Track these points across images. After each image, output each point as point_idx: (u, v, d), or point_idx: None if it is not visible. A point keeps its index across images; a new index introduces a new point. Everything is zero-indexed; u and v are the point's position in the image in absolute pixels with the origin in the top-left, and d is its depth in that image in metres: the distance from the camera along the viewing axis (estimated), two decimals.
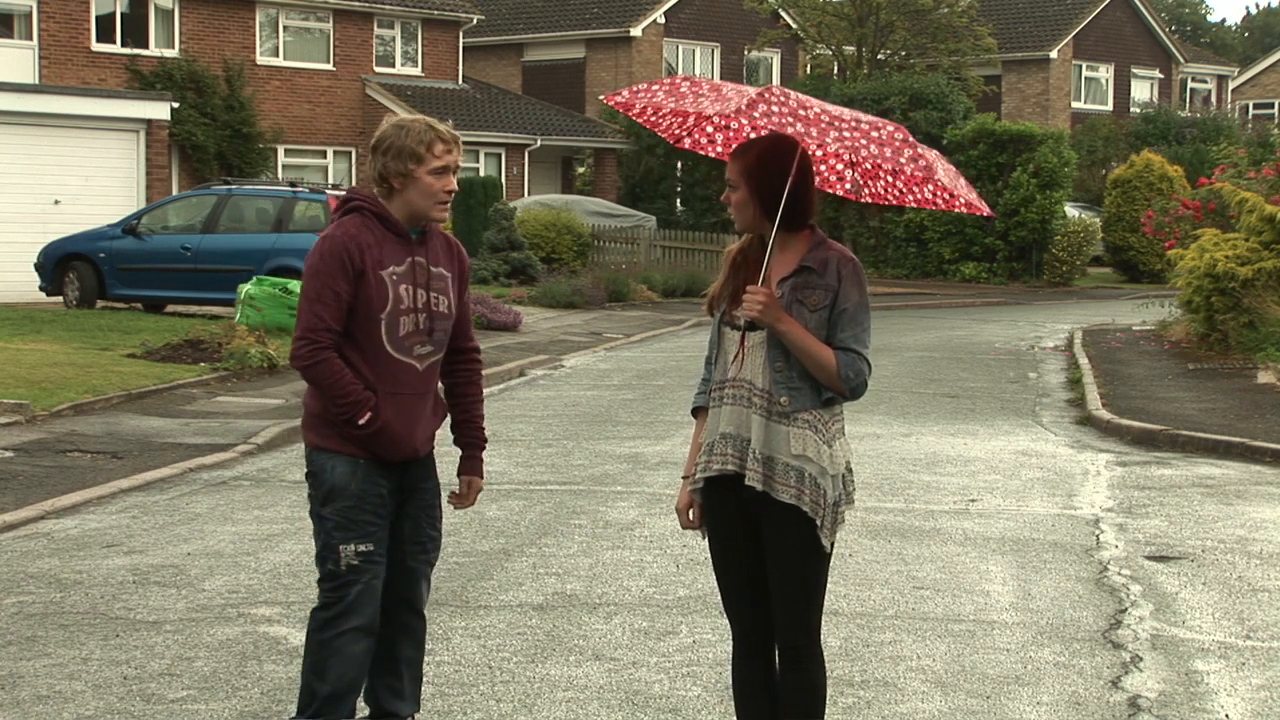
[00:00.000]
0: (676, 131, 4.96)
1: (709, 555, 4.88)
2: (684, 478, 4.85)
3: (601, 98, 4.98)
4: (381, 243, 5.06)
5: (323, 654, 5.10)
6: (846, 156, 4.81)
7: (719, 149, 4.95)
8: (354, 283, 5.00)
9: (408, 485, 5.21)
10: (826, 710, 6.04)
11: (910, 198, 4.81)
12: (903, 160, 4.60)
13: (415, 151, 5.03)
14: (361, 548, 5.08)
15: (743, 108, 4.50)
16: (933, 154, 4.69)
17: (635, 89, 4.81)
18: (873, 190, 4.87)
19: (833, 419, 4.63)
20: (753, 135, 4.77)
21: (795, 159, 4.57)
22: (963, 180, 4.79)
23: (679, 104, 4.70)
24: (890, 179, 4.83)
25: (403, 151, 5.04)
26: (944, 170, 4.69)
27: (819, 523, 4.57)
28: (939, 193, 4.74)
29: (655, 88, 4.79)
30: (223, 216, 21.66)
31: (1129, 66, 52.91)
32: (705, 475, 4.69)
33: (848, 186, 4.87)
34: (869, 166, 4.83)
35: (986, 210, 4.76)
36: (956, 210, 4.79)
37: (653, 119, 4.95)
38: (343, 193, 5.16)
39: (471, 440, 5.39)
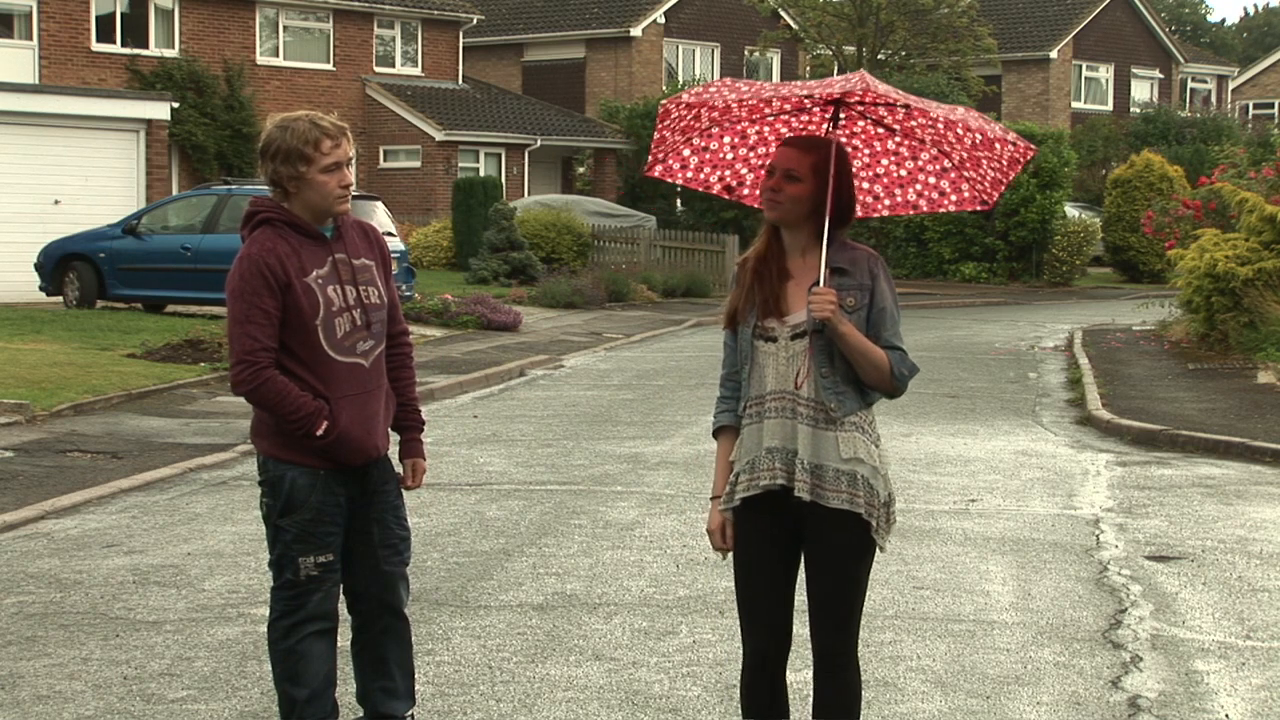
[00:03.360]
0: (658, 154, 4.84)
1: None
2: (713, 498, 4.73)
3: (664, 102, 4.80)
4: (299, 250, 4.95)
5: (291, 661, 5.07)
6: (859, 164, 4.81)
7: (689, 174, 4.86)
8: (280, 296, 4.89)
9: (369, 489, 5.13)
10: None
11: (883, 204, 4.81)
12: (989, 127, 4.61)
13: (302, 152, 4.89)
14: (321, 559, 5.04)
15: (868, 84, 4.44)
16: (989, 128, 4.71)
17: (695, 91, 4.66)
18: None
19: (873, 419, 4.60)
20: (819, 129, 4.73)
21: (834, 160, 4.53)
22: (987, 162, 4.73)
23: (758, 97, 4.59)
24: (866, 186, 4.81)
25: (290, 154, 4.90)
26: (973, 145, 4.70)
27: (874, 524, 4.53)
28: (926, 191, 4.75)
29: (714, 88, 4.62)
30: (223, 216, 21.63)
31: (1129, 66, 52.92)
32: (749, 494, 4.57)
33: None
34: (876, 171, 4.80)
35: (984, 204, 4.76)
36: (944, 209, 4.80)
37: (664, 134, 4.79)
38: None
39: (410, 424, 5.32)
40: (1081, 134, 47.18)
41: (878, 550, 4.62)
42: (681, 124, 4.81)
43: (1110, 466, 12.04)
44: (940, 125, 4.67)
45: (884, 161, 4.79)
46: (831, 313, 4.42)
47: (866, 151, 4.82)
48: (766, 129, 4.82)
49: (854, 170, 4.80)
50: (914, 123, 4.72)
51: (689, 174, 4.88)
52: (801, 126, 4.80)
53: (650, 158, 4.88)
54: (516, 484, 10.84)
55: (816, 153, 4.55)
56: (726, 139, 4.83)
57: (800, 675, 6.41)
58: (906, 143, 4.81)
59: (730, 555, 4.73)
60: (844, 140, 4.78)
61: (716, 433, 4.73)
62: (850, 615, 4.64)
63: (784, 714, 4.80)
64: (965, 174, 4.75)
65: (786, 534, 4.61)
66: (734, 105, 4.73)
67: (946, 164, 4.75)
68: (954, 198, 4.75)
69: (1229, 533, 9.53)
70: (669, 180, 4.95)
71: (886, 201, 4.82)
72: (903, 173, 4.80)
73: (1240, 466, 12.10)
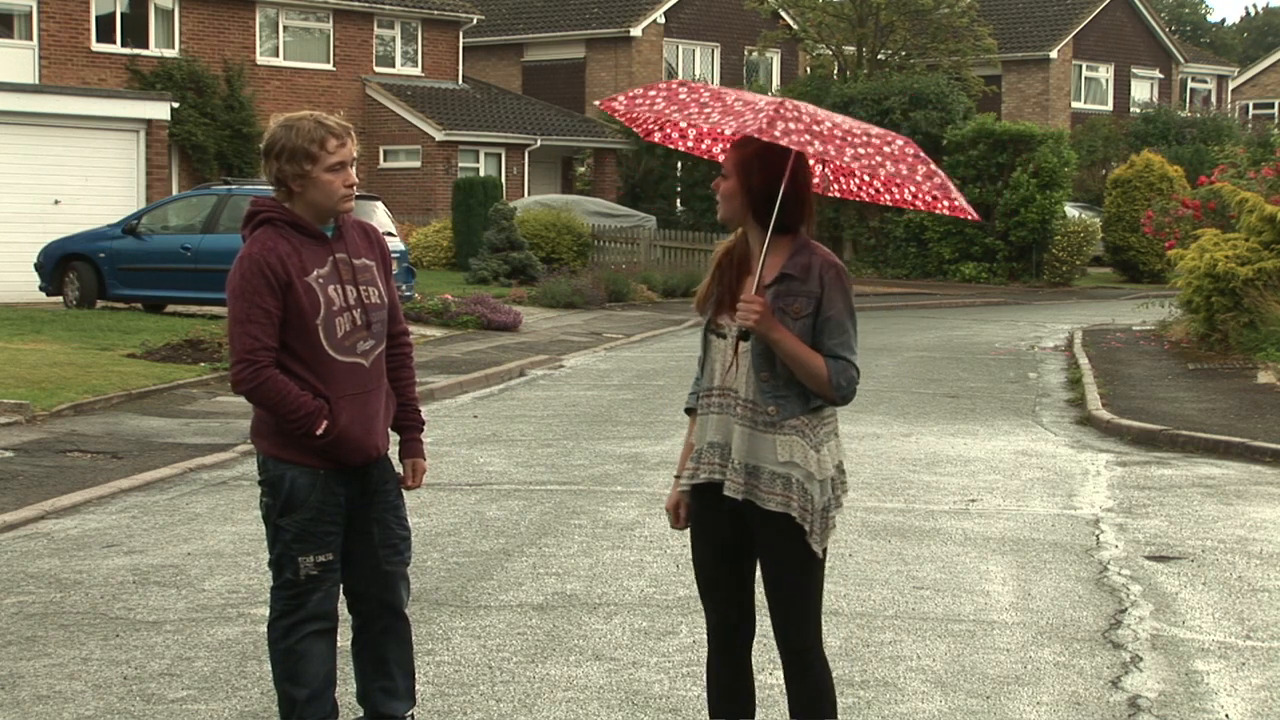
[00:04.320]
0: (650, 125, 4.89)
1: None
2: (676, 477, 4.84)
3: (597, 103, 4.92)
4: (300, 249, 4.95)
5: (291, 660, 5.07)
6: (862, 175, 4.77)
7: (690, 144, 4.92)
8: (281, 296, 4.90)
9: (370, 489, 5.14)
10: None
11: (886, 196, 4.77)
12: (919, 178, 4.58)
13: (308, 151, 4.90)
14: (321, 558, 5.04)
15: (763, 126, 4.38)
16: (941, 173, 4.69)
17: (632, 95, 4.74)
18: (843, 187, 4.84)
19: (821, 423, 4.58)
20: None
21: (790, 162, 4.52)
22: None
23: (683, 113, 4.61)
24: (866, 177, 4.78)
25: (295, 153, 4.91)
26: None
27: (808, 529, 4.54)
28: (920, 194, 4.69)
29: (654, 93, 4.70)
30: (223, 216, 21.64)
31: (1129, 66, 52.93)
32: (694, 483, 4.68)
33: (814, 180, 4.76)
34: (879, 180, 4.76)
35: (972, 214, 4.72)
36: (938, 211, 4.76)
37: (634, 115, 4.85)
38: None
39: (410, 424, 5.32)
40: (1081, 134, 47.18)
41: (820, 554, 4.61)
42: (650, 107, 4.77)
43: (1110, 466, 12.04)
44: (889, 149, 4.62)
45: (877, 157, 4.77)
46: (755, 321, 4.43)
47: (858, 167, 4.78)
48: (759, 135, 4.80)
49: (849, 161, 4.75)
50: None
51: (689, 144, 4.93)
52: (782, 133, 4.76)
53: (640, 129, 4.91)
54: (516, 484, 10.84)
55: (742, 149, 4.57)
56: (718, 116, 4.84)
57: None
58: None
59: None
60: (834, 151, 4.68)
61: (688, 411, 4.84)
62: (806, 614, 4.64)
63: (749, 714, 4.80)
64: (951, 196, 4.70)
65: (740, 522, 4.64)
66: (675, 114, 4.70)
67: (931, 185, 4.69)
68: (946, 203, 4.70)
69: (1229, 533, 9.53)
70: (669, 146, 4.98)
71: (886, 197, 4.79)
72: (901, 171, 4.77)
73: (1240, 466, 12.10)
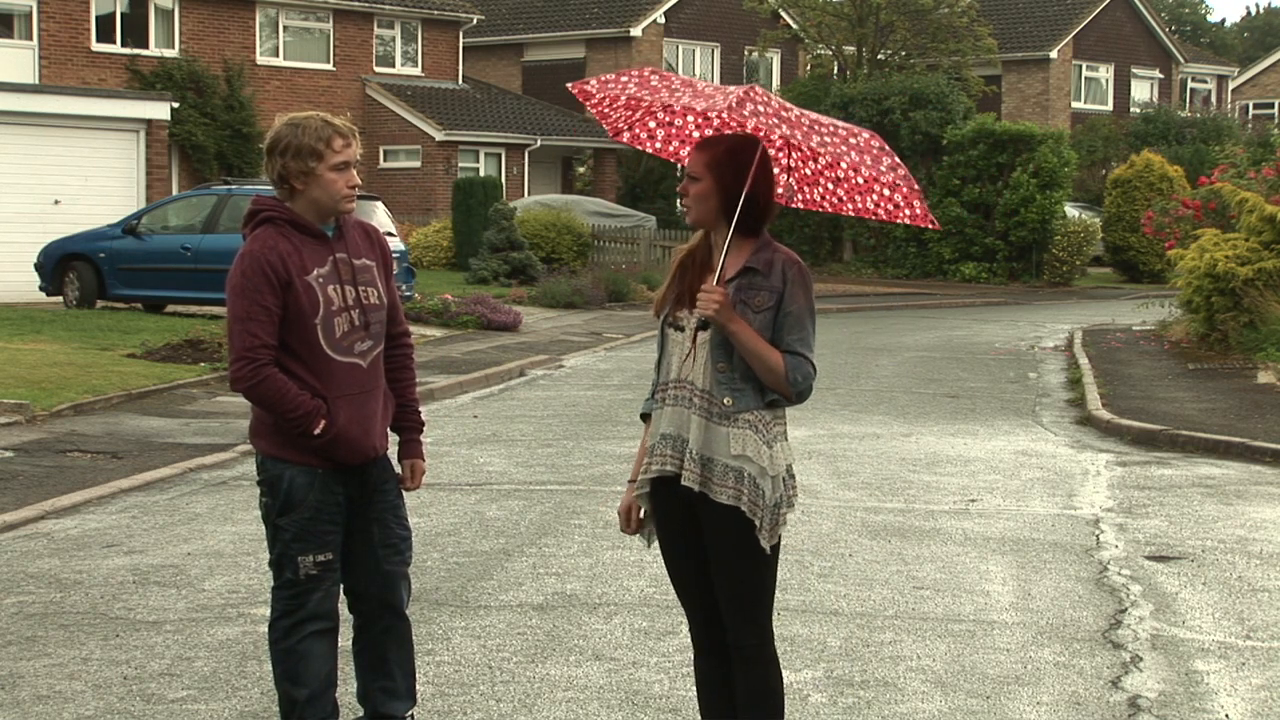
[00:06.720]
0: (619, 124, 4.90)
1: None
2: (630, 481, 4.82)
3: (569, 86, 4.94)
4: (300, 248, 4.97)
5: (292, 661, 5.07)
6: (831, 165, 4.77)
7: (658, 145, 4.92)
8: (281, 294, 4.92)
9: (369, 488, 5.15)
10: (827, 711, 6.06)
11: (848, 206, 4.77)
12: (883, 169, 4.63)
13: (314, 149, 4.93)
14: (320, 558, 5.04)
15: (733, 105, 4.46)
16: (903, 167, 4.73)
17: (604, 79, 4.76)
18: (807, 197, 4.83)
19: (775, 421, 4.60)
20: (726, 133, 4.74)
21: (757, 159, 4.56)
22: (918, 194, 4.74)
23: (652, 96, 4.65)
24: (830, 186, 4.79)
25: (301, 150, 4.93)
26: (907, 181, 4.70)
27: (757, 524, 4.54)
28: (882, 203, 4.70)
29: (625, 78, 4.73)
30: (223, 216, 21.64)
31: (1129, 66, 52.92)
32: (647, 477, 4.67)
33: (779, 191, 4.76)
34: (838, 174, 4.76)
35: (933, 223, 4.76)
36: (900, 220, 4.75)
37: (604, 110, 4.87)
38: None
39: (409, 425, 5.33)
40: (1081, 134, 47.18)
41: (768, 550, 4.60)
42: (619, 102, 4.83)
43: (1110, 466, 12.04)
44: (857, 142, 4.65)
45: (843, 164, 4.77)
46: (715, 311, 4.46)
47: (825, 154, 4.78)
48: (728, 114, 4.82)
49: (819, 168, 4.77)
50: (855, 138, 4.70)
51: (657, 145, 4.94)
52: (750, 114, 4.75)
53: (609, 126, 4.93)
54: (516, 484, 10.84)
55: (712, 150, 4.59)
56: (690, 118, 4.87)
57: (800, 675, 6.42)
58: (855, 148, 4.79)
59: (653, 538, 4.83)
60: (800, 136, 4.67)
61: (643, 418, 4.83)
62: (752, 611, 4.63)
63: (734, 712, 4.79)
64: (914, 189, 4.71)
65: (694, 516, 4.64)
66: (646, 97, 4.74)
67: (895, 177, 4.71)
68: (907, 211, 4.72)
69: (1229, 533, 9.53)
70: (637, 147, 5.01)
71: (849, 207, 4.79)
72: (860, 180, 4.76)
73: (1240, 466, 12.10)
